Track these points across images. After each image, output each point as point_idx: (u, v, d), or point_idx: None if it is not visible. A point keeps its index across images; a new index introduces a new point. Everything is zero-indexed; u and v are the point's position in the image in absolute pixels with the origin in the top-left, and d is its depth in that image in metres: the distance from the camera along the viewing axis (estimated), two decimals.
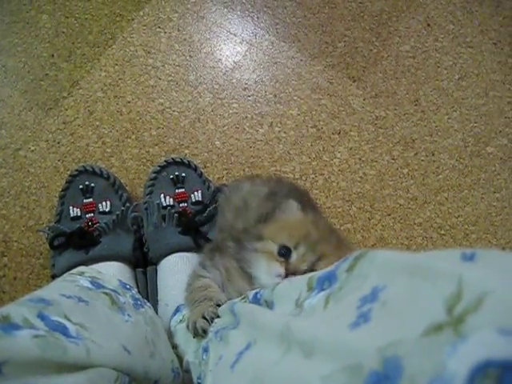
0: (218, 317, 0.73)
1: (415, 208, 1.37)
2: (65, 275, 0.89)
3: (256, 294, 0.61)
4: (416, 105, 1.47)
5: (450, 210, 1.39)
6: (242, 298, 0.67)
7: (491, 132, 1.47)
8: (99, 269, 1.01)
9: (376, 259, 0.41)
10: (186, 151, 1.35)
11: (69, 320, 0.59)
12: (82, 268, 0.98)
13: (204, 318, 0.74)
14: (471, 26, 1.61)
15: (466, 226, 1.38)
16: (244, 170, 1.33)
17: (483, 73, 1.55)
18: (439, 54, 1.55)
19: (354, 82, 1.46)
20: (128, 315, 0.77)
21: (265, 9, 1.56)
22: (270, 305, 0.55)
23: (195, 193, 1.19)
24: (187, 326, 0.80)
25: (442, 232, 1.37)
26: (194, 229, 1.10)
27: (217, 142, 1.36)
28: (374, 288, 0.38)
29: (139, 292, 1.07)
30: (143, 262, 1.17)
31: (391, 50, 1.53)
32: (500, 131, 1.48)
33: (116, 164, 1.33)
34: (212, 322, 0.73)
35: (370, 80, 1.48)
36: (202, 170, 1.27)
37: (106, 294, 0.79)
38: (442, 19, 1.60)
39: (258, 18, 1.54)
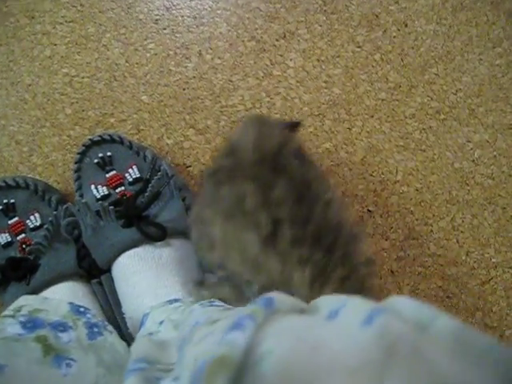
0: None
1: (401, 98, 1.15)
2: None
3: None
4: None
5: (445, 87, 1.17)
6: None
7: None
8: (47, 294, 0.87)
9: None
10: (112, 120, 1.14)
11: None
12: (22, 300, 0.84)
13: None
14: None
15: (470, 100, 1.16)
16: (185, 120, 1.13)
17: None
18: None
19: None
20: (70, 361, 0.65)
21: None
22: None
23: (130, 170, 0.99)
24: None
25: (442, 117, 1.16)
26: (137, 216, 0.91)
27: (143, 97, 1.15)
28: None
29: (102, 307, 0.93)
30: (98, 270, 1.00)
31: None
32: None
33: (39, 162, 1.14)
34: None
35: None
36: (133, 139, 1.07)
37: (40, 339, 0.66)
38: None
39: None
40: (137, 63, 1.17)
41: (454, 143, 1.18)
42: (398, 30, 1.18)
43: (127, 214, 0.92)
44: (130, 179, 0.99)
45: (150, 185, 0.96)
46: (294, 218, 0.65)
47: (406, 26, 1.18)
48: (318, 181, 0.73)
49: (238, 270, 0.68)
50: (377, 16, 1.18)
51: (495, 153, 1.19)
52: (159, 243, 0.91)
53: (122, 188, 0.99)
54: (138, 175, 0.99)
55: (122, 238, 0.92)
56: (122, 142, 1.03)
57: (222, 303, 0.68)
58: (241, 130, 0.85)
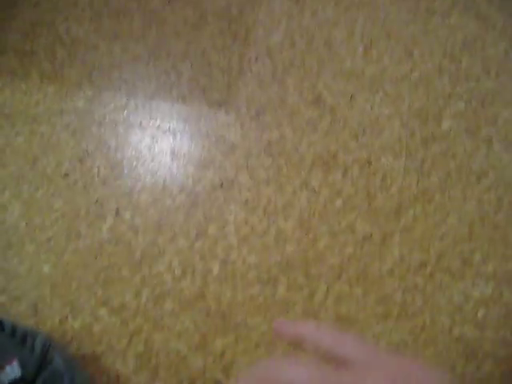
0: None
1: (374, 251, 1.06)
2: None
3: None
4: (319, 105, 1.17)
5: (427, 233, 1.08)
6: None
7: (438, 102, 1.17)
8: None
9: None
10: (2, 298, 1.00)
11: None
12: None
13: None
14: None
15: (460, 247, 1.06)
16: (96, 295, 0.98)
17: (394, 30, 1.27)
18: (326, 30, 1.27)
19: (220, 106, 1.16)
20: None
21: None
22: None
23: (8, 367, 0.83)
24: None
25: (429, 270, 1.05)
26: None
27: (45, 268, 1.04)
28: None
29: None
30: None
31: (259, 48, 1.24)
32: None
33: None
34: None
35: (241, 97, 1.18)
36: (26, 322, 0.93)
37: None
38: None
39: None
40: (39, 226, 1.06)
41: (449, 303, 1.04)
42: (361, 169, 1.10)
43: None
44: (7, 381, 0.83)
45: None
46: None
47: (370, 164, 1.11)
48: None
49: None
50: (333, 155, 1.11)
51: (504, 310, 1.05)
52: None
53: None
54: (19, 374, 0.84)
55: None
56: (2, 327, 0.88)
57: None
58: None
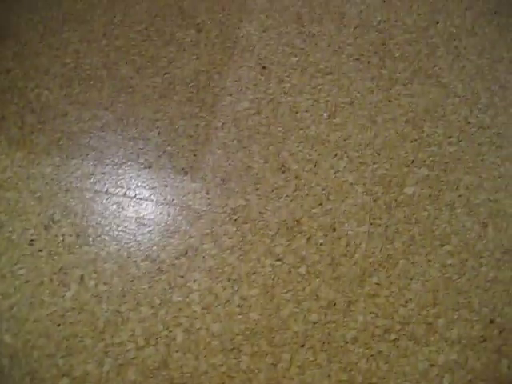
0: None
1: (338, 318, 1.08)
2: None
3: None
4: (284, 172, 1.22)
5: (391, 299, 1.12)
6: None
7: (401, 168, 1.23)
8: None
9: None
10: None
11: None
12: None
13: None
14: (318, 49, 1.43)
15: (425, 312, 1.10)
16: (57, 365, 1.00)
17: (358, 98, 1.34)
18: (291, 97, 1.34)
19: (187, 174, 1.20)
20: None
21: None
22: None
23: None
24: None
25: (393, 337, 1.07)
26: None
27: (5, 337, 1.05)
28: None
29: None
30: None
31: (225, 115, 1.30)
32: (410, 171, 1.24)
33: None
34: None
35: (207, 164, 1.22)
36: None
37: None
38: (279, 55, 1.42)
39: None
40: (2, 293, 1.08)
41: (414, 370, 1.06)
42: (325, 235, 1.14)
43: None
44: None
45: None
46: None
47: (334, 230, 1.15)
48: None
49: None
50: (298, 222, 1.15)
51: (469, 376, 1.07)
52: None
53: None
54: None
55: None
56: None
57: None
58: None
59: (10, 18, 1.53)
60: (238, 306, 1.08)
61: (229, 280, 1.10)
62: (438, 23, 1.55)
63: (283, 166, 1.25)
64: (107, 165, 1.24)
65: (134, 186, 1.22)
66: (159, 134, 1.29)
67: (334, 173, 1.25)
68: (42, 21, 1.53)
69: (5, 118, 1.32)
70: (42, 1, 1.57)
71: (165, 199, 1.20)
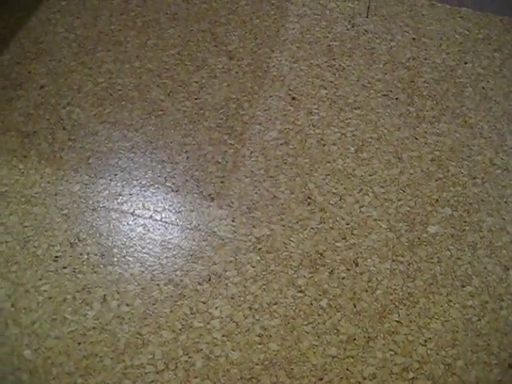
0: None
1: (357, 354, 1.09)
2: None
3: None
4: (309, 204, 1.24)
5: (410, 337, 1.12)
6: None
7: (425, 207, 1.24)
8: None
9: None
10: None
11: None
12: None
13: None
14: (347, 83, 1.47)
15: (444, 353, 1.11)
16: (76, 383, 1.00)
17: (385, 134, 1.36)
18: (320, 129, 1.37)
19: (213, 200, 1.22)
20: None
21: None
22: None
23: None
24: None
25: (411, 375, 1.08)
26: None
27: (26, 352, 1.06)
28: None
29: None
30: None
31: (254, 144, 1.33)
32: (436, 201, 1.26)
33: None
34: None
35: (234, 191, 1.25)
36: None
37: None
38: (308, 87, 1.45)
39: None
40: (25, 308, 1.10)
41: None
42: (348, 270, 1.15)
43: None
44: None
45: None
46: None
47: (357, 265, 1.16)
48: None
49: None
50: (321, 254, 1.16)
51: None
52: None
53: None
54: None
55: None
56: None
57: None
58: None
59: (47, 36, 1.58)
60: (259, 335, 1.09)
61: (250, 309, 1.12)
62: (466, 63, 1.58)
63: (309, 197, 1.27)
64: (135, 186, 1.27)
65: (160, 209, 1.24)
66: (187, 158, 1.32)
67: (359, 207, 1.27)
68: (76, 39, 1.58)
69: (36, 133, 1.36)
70: (78, 20, 1.62)
71: (190, 224, 1.22)
